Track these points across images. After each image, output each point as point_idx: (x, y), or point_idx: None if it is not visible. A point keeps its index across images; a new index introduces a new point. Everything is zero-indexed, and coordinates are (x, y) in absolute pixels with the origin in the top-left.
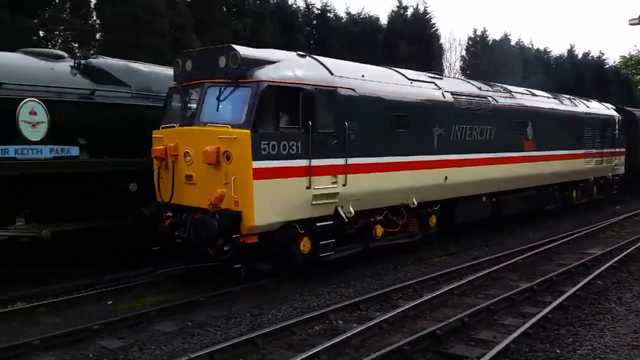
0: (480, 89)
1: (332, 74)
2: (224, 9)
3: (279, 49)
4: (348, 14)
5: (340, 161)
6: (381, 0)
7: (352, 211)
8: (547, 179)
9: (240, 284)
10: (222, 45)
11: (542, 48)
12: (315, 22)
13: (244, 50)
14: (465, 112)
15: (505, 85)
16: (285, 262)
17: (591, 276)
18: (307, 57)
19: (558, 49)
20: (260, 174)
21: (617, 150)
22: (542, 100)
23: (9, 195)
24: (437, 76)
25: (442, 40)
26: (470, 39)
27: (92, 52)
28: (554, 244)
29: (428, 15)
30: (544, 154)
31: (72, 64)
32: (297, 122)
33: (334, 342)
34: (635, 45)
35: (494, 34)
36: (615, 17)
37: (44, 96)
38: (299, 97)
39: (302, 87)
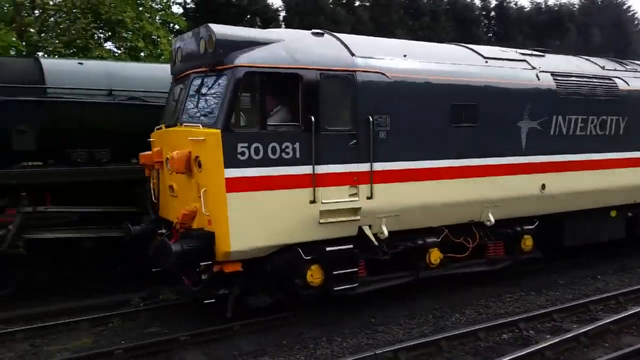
0: (604, 67)
1: (352, 54)
2: (401, 11)
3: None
4: (532, 2)
5: (362, 167)
6: None
7: (386, 232)
8: None
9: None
10: (202, 25)
11: None
12: (493, 13)
13: (222, 30)
14: (574, 98)
15: None
16: (293, 295)
17: None
18: (325, 35)
19: None
20: (237, 184)
21: None
22: None
23: None
24: (535, 53)
25: None
26: None
27: None
28: None
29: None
30: None
31: None
32: (296, 117)
33: (526, 352)
34: None
35: None
36: None
37: None
38: (297, 85)
39: (301, 72)
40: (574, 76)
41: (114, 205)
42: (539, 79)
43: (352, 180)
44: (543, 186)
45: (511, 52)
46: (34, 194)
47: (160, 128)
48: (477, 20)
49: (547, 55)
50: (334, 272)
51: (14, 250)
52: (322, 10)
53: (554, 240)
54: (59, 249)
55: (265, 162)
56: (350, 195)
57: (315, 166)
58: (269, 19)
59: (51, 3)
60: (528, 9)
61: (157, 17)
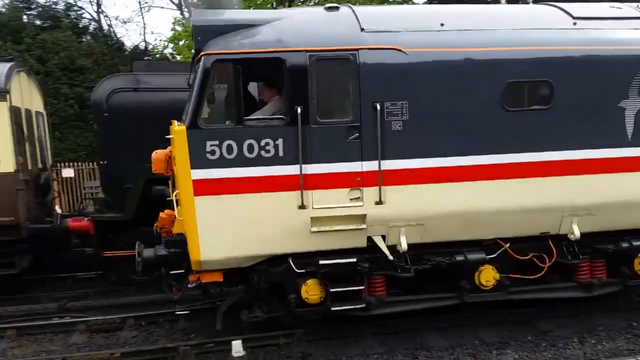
0: None
1: (362, 29)
2: None
3: None
4: None
5: (368, 166)
6: None
7: (404, 244)
8: None
9: None
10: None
11: None
12: None
13: (201, 15)
14: None
15: None
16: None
17: None
18: (340, 9)
19: None
20: (206, 187)
21: None
22: None
23: None
24: None
25: None
26: None
27: None
28: None
29: None
30: None
31: None
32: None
33: None
34: None
35: None
36: None
37: None
38: (282, 71)
39: (285, 55)
40: None
41: None
42: None
43: (354, 181)
44: None
45: (626, 9)
46: None
47: None
48: None
49: None
50: (331, 290)
51: None
52: None
53: None
54: None
55: (241, 162)
56: (352, 199)
57: (304, 165)
58: None
59: None
60: None
61: None
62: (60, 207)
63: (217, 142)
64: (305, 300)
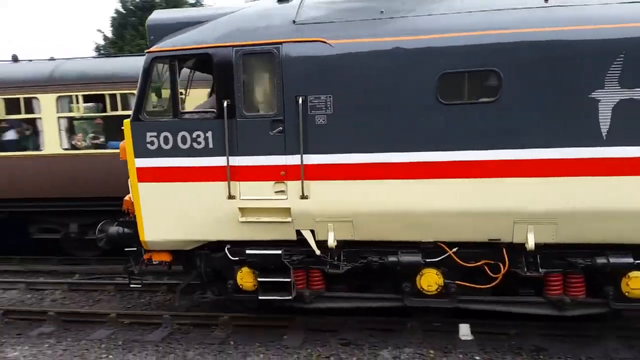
0: None
1: (294, 21)
2: None
3: None
4: None
5: (291, 160)
6: None
7: (331, 240)
8: None
9: None
10: None
11: None
12: None
13: (156, 15)
14: None
15: None
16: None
17: None
18: (292, 2)
19: None
20: (147, 174)
21: None
22: None
23: None
24: None
25: None
26: None
27: None
28: None
29: None
30: None
31: None
32: (212, 103)
33: None
34: None
35: None
36: None
37: None
38: (211, 66)
39: (212, 51)
40: None
41: None
42: None
43: (278, 175)
44: None
45: None
46: None
47: None
48: None
49: None
50: (259, 279)
51: None
52: None
53: None
54: None
55: (175, 153)
56: (277, 192)
57: (230, 157)
58: None
59: None
60: None
61: None
62: None
63: (155, 134)
64: (241, 287)
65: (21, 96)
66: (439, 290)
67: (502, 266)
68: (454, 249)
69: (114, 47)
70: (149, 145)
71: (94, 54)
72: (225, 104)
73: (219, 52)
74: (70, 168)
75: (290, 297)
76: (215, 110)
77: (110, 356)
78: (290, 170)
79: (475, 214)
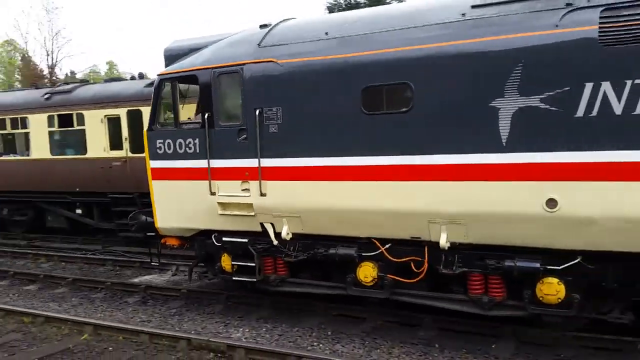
0: None
1: (259, 45)
2: None
3: None
4: None
5: (252, 163)
6: None
7: (285, 233)
8: None
9: None
10: None
11: None
12: None
13: (172, 45)
14: None
15: None
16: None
17: None
18: (270, 26)
19: None
20: (157, 174)
21: None
22: None
23: None
24: None
25: None
26: None
27: None
28: None
29: None
30: None
31: None
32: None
33: None
34: None
35: None
36: None
37: None
38: (198, 85)
39: (197, 73)
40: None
41: None
42: (558, 24)
43: (243, 175)
44: (552, 202)
45: None
46: None
47: None
48: None
49: None
50: (232, 262)
51: None
52: None
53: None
54: None
55: (175, 156)
56: (242, 190)
57: (211, 160)
58: None
59: None
60: None
61: None
62: None
63: (162, 141)
64: (224, 269)
65: None
66: (375, 282)
67: (423, 262)
68: (387, 245)
69: None
70: (158, 150)
71: None
72: (206, 116)
73: (202, 73)
74: None
75: (255, 280)
76: (200, 122)
77: (321, 345)
78: (252, 172)
79: (395, 213)
